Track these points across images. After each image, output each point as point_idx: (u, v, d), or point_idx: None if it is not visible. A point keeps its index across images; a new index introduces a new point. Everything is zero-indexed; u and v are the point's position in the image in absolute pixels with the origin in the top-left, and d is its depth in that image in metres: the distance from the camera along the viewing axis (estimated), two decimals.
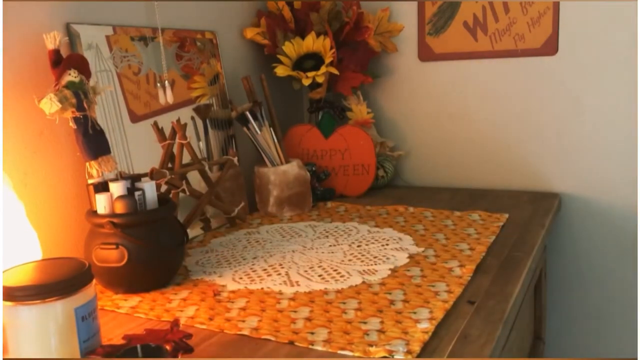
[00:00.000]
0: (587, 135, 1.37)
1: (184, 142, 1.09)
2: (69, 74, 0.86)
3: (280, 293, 0.85)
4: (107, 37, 1.04)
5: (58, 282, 0.63)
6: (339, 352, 0.68)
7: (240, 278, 0.92)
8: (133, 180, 0.91)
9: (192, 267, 0.99)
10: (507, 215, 1.19)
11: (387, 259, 0.97)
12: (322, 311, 0.79)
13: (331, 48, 1.38)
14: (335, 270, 0.93)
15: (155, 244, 0.87)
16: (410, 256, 0.98)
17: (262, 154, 1.29)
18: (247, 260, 1.00)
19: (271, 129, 1.30)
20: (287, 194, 1.28)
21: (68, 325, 0.64)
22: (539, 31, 1.37)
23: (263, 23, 1.41)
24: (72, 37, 0.97)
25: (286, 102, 1.58)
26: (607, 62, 1.33)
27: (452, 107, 1.50)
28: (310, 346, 0.70)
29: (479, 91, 1.46)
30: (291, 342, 0.71)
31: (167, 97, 1.11)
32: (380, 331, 0.72)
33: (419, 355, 0.66)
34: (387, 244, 1.05)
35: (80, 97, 0.84)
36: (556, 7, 1.35)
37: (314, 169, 1.38)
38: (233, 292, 0.87)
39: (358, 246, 1.04)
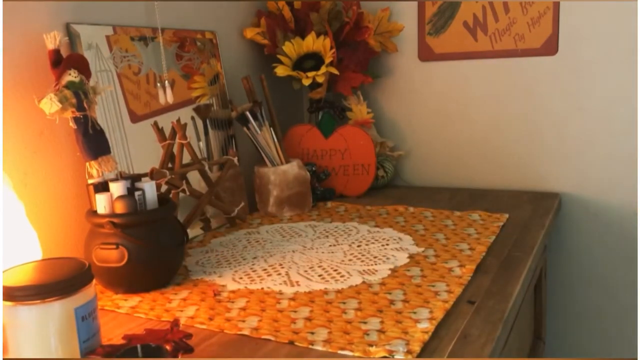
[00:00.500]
0: (587, 135, 1.37)
1: (184, 142, 1.09)
2: (69, 74, 0.86)
3: (280, 293, 0.85)
4: (107, 37, 1.04)
5: (58, 282, 0.63)
6: (339, 352, 0.68)
7: (240, 278, 0.92)
8: (133, 180, 0.91)
9: (192, 267, 0.99)
10: (507, 215, 1.19)
11: (387, 259, 0.97)
12: (322, 311, 0.79)
13: (331, 48, 1.38)
14: (335, 270, 0.93)
15: (155, 244, 0.87)
16: (410, 256, 0.98)
17: (262, 154, 1.29)
18: (247, 260, 1.00)
19: (271, 128, 1.30)
20: (287, 194, 1.28)
21: (68, 325, 0.64)
22: (539, 31, 1.37)
23: (263, 23, 1.41)
24: (72, 37, 0.97)
25: (286, 102, 1.58)
26: (607, 62, 1.33)
27: (452, 107, 1.50)
28: (310, 346, 0.70)
29: (479, 91, 1.46)
30: (291, 342, 0.71)
31: (167, 97, 1.11)
32: (380, 331, 0.72)
33: (419, 355, 0.66)
34: (387, 244, 1.05)
35: (80, 97, 0.84)
36: (556, 7, 1.35)
37: (314, 169, 1.38)
38: (233, 292, 0.87)
39: (358, 246, 1.04)
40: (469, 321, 0.74)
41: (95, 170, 0.88)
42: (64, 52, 0.89)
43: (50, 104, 0.81)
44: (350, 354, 0.67)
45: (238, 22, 1.42)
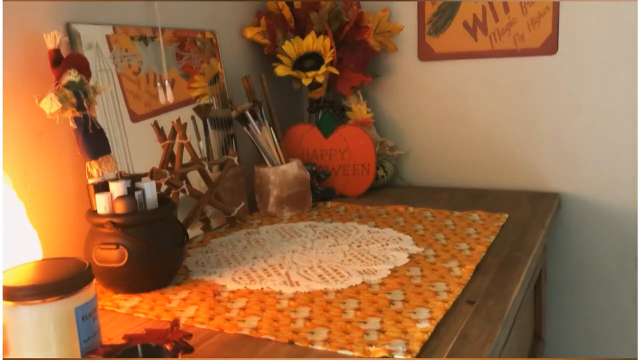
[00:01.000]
0: (587, 135, 1.37)
1: (184, 141, 1.09)
2: (69, 74, 0.86)
3: (280, 293, 0.85)
4: (107, 36, 1.04)
5: (58, 282, 0.63)
6: (339, 351, 0.68)
7: (240, 278, 0.92)
8: (133, 180, 0.91)
9: (192, 267, 0.99)
10: (507, 215, 1.19)
11: (387, 259, 0.97)
12: (321, 311, 0.79)
13: (331, 48, 1.38)
14: (335, 270, 0.93)
15: (155, 244, 0.87)
16: (410, 256, 0.98)
17: (262, 153, 1.29)
18: (247, 260, 1.00)
19: (271, 128, 1.30)
20: (287, 194, 1.28)
21: (68, 325, 0.64)
22: (539, 31, 1.37)
23: (263, 23, 1.41)
24: (72, 36, 0.97)
25: (286, 102, 1.58)
26: (607, 62, 1.33)
27: (452, 106, 1.50)
28: (310, 346, 0.70)
29: (479, 91, 1.46)
30: (291, 342, 0.71)
31: (167, 96, 1.11)
32: (380, 331, 0.72)
33: (418, 355, 0.66)
34: (387, 244, 1.05)
35: (80, 96, 0.84)
36: (556, 7, 1.35)
37: (313, 168, 1.38)
38: (233, 292, 0.87)
39: (358, 246, 1.04)
40: (468, 321, 0.74)
41: (95, 170, 0.88)
42: (64, 52, 0.89)
43: (50, 104, 0.81)
44: (350, 353, 0.67)
45: (238, 22, 1.42)
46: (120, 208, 0.86)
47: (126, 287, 0.88)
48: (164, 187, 1.06)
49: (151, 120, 1.10)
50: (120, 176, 0.91)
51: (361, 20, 1.44)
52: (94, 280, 0.67)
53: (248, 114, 1.26)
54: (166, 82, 1.11)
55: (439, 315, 0.75)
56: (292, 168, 1.29)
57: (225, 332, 0.75)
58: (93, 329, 0.66)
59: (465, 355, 0.66)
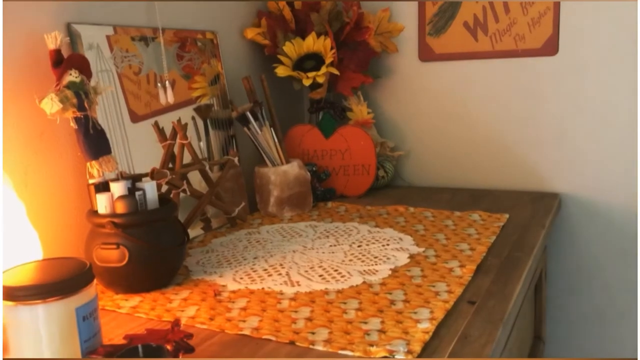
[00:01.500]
0: (587, 136, 1.37)
1: (184, 142, 1.09)
2: (70, 74, 0.86)
3: (281, 293, 0.85)
4: (108, 37, 1.04)
5: (59, 282, 0.63)
6: (340, 352, 0.68)
7: (241, 278, 0.92)
8: (134, 180, 0.91)
9: (193, 267, 0.99)
10: (507, 216, 1.19)
11: (388, 259, 0.97)
12: (322, 311, 0.79)
13: (331, 48, 1.38)
14: (335, 271, 0.93)
15: (156, 244, 0.87)
16: (411, 256, 0.98)
17: (263, 154, 1.29)
18: (247, 260, 1.00)
19: (272, 129, 1.30)
20: (288, 194, 1.28)
21: (69, 325, 0.64)
22: (539, 31, 1.37)
23: (263, 23, 1.41)
24: (73, 37, 0.97)
25: (286, 102, 1.58)
26: (607, 62, 1.33)
27: (452, 107, 1.50)
28: (310, 346, 0.70)
29: (480, 91, 1.46)
30: (292, 342, 0.71)
31: (167, 97, 1.11)
32: (381, 331, 0.72)
33: (419, 355, 0.66)
34: (387, 244, 1.05)
35: (81, 97, 0.84)
36: (556, 7, 1.35)
37: (314, 169, 1.38)
38: (234, 292, 0.87)
39: (358, 246, 1.04)
40: (469, 321, 0.74)
41: (96, 170, 0.88)
42: (65, 52, 0.89)
43: (51, 104, 0.81)
44: (351, 354, 0.67)
45: (239, 23, 1.42)
46: (120, 208, 0.86)
47: (127, 287, 0.88)
48: (164, 187, 1.06)
49: (152, 121, 1.10)
50: (120, 176, 0.91)
51: (362, 20, 1.44)
52: (95, 281, 0.67)
53: (249, 114, 1.26)
54: (167, 82, 1.11)
55: (439, 315, 0.75)
56: (293, 168, 1.29)
57: (226, 332, 0.75)
58: (94, 329, 0.66)
59: (466, 356, 0.66)
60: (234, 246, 1.08)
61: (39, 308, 0.62)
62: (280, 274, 0.93)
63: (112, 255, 0.85)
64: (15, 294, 0.62)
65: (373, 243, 1.06)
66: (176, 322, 0.68)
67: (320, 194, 1.38)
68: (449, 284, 0.85)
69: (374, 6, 1.49)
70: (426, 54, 1.50)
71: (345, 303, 0.81)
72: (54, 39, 0.87)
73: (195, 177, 1.14)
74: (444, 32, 1.47)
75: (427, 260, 0.96)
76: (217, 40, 1.32)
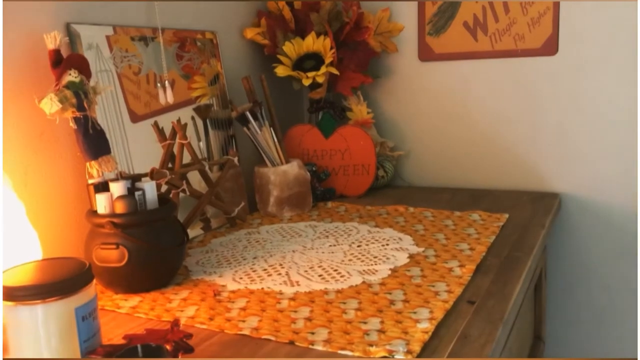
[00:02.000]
0: (587, 135, 1.37)
1: (184, 142, 1.09)
2: (70, 74, 0.86)
3: (281, 293, 0.85)
4: (108, 37, 1.04)
5: (58, 282, 0.63)
6: (339, 352, 0.68)
7: (241, 278, 0.92)
8: (133, 180, 0.91)
9: (193, 267, 0.99)
10: (507, 215, 1.19)
11: (387, 259, 0.97)
12: (322, 311, 0.79)
13: (331, 48, 1.38)
14: (335, 270, 0.93)
15: (156, 244, 0.87)
16: (411, 256, 0.98)
17: (262, 154, 1.29)
18: (247, 260, 1.00)
19: (271, 129, 1.30)
20: (287, 194, 1.28)
21: (68, 325, 0.64)
22: (539, 31, 1.37)
23: (263, 23, 1.41)
24: (72, 37, 0.97)
25: (286, 102, 1.58)
26: (607, 62, 1.33)
27: (452, 107, 1.50)
28: (310, 346, 0.70)
29: (479, 91, 1.46)
30: (291, 342, 0.71)
31: (167, 97, 1.11)
32: (381, 331, 0.72)
33: (419, 355, 0.66)
34: (387, 244, 1.05)
35: (80, 97, 0.84)
36: (556, 7, 1.35)
37: (314, 169, 1.38)
38: (233, 292, 0.87)
39: (358, 246, 1.04)
40: (469, 321, 0.74)
41: (95, 170, 0.88)
42: (64, 52, 0.89)
43: (50, 104, 0.81)
44: (351, 354, 0.67)
45: (238, 22, 1.42)
46: (120, 208, 0.86)
47: (126, 287, 0.88)
48: (164, 187, 1.06)
49: (151, 121, 1.10)
50: (120, 176, 0.91)
51: (361, 20, 1.44)
52: (94, 281, 0.67)
53: (248, 114, 1.26)
54: (166, 82, 1.11)
55: (439, 315, 0.75)
56: (293, 168, 1.29)
57: (225, 332, 0.75)
58: (93, 329, 0.66)
59: (465, 356, 0.66)
60: (234, 246, 1.08)
61: (38, 308, 0.62)
62: (279, 274, 0.93)
63: (112, 255, 0.85)
64: (14, 294, 0.62)
65: (373, 243, 1.06)
66: (176, 322, 0.68)
67: (320, 194, 1.38)
68: (449, 284, 0.85)
69: (374, 6, 1.49)
70: (426, 54, 1.50)
71: (344, 303, 0.81)
72: (54, 39, 0.87)
73: (194, 177, 1.14)
74: (443, 32, 1.47)
75: (427, 260, 0.96)
76: (217, 40, 1.32)
